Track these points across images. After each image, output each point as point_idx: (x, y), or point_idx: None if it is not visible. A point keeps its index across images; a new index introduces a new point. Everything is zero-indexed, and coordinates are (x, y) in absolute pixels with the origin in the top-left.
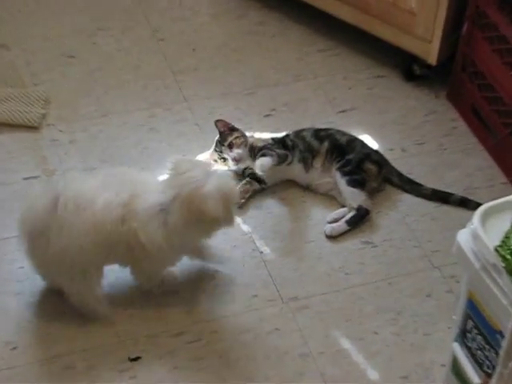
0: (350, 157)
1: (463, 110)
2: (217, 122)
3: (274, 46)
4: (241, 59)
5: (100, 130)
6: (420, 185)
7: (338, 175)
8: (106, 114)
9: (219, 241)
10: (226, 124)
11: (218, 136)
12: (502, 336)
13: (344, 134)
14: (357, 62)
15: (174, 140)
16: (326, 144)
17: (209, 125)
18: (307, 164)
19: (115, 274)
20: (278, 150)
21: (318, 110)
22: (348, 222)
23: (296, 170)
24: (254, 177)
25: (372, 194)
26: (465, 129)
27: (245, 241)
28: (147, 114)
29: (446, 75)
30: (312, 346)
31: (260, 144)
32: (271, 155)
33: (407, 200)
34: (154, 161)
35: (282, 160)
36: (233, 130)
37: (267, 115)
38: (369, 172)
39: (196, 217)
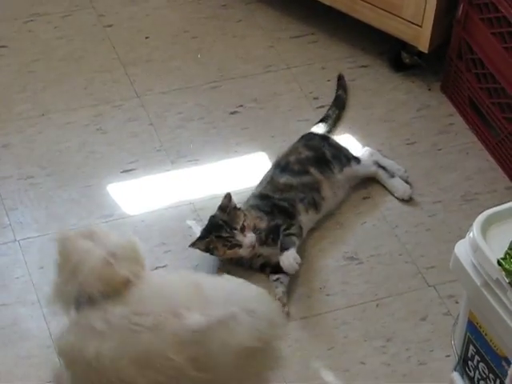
0: (345, 152)
1: (460, 104)
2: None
3: (240, 31)
4: (201, 48)
5: (38, 132)
6: None
7: (349, 171)
8: (44, 112)
9: None
10: (230, 199)
11: (220, 216)
12: (509, 363)
13: (312, 140)
14: (336, 49)
15: (124, 142)
16: (314, 169)
17: (165, 124)
18: (317, 204)
19: None
20: (292, 230)
21: (293, 105)
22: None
23: (309, 221)
24: (278, 269)
25: None
26: (462, 125)
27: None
28: (93, 112)
29: (439, 64)
30: (289, 378)
31: (261, 224)
32: (293, 243)
33: (396, 209)
34: (102, 167)
35: (300, 235)
36: (235, 207)
37: (233, 112)
38: None
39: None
